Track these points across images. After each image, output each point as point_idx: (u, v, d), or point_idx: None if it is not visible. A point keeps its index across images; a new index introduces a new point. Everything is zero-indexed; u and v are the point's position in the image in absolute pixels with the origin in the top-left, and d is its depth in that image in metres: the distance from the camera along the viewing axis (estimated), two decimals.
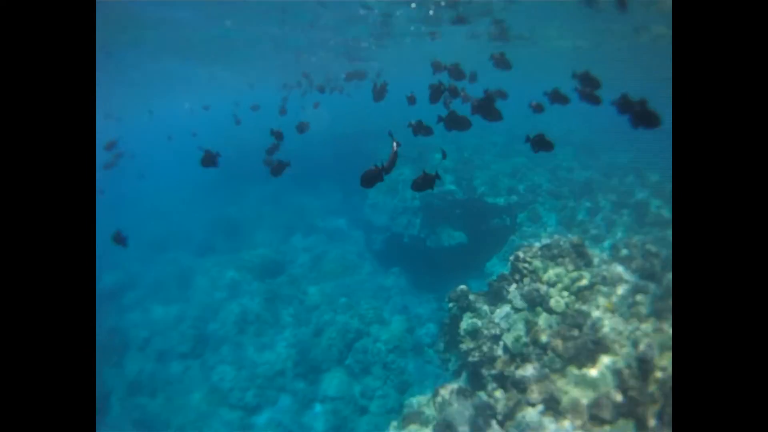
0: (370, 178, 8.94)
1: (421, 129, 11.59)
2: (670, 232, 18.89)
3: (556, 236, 11.87)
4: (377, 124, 33.00)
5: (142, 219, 36.36)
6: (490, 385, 10.49)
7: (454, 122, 10.70)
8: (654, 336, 9.54)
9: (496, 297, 11.88)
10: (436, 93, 11.83)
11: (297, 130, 17.44)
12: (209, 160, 12.05)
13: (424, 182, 9.74)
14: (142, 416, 20.55)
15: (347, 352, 20.44)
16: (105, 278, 29.56)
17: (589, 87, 10.64)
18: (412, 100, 13.18)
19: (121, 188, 35.87)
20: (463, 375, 11.94)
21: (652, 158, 25.03)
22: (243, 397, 19.97)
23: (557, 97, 11.05)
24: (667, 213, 20.04)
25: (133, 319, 25.17)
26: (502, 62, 13.22)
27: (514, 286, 11.55)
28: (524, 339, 10.26)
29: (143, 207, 37.16)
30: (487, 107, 11.06)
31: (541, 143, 10.59)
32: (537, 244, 11.90)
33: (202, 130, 27.96)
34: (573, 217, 21.34)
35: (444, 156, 11.04)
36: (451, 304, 12.42)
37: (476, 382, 11.05)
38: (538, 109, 11.96)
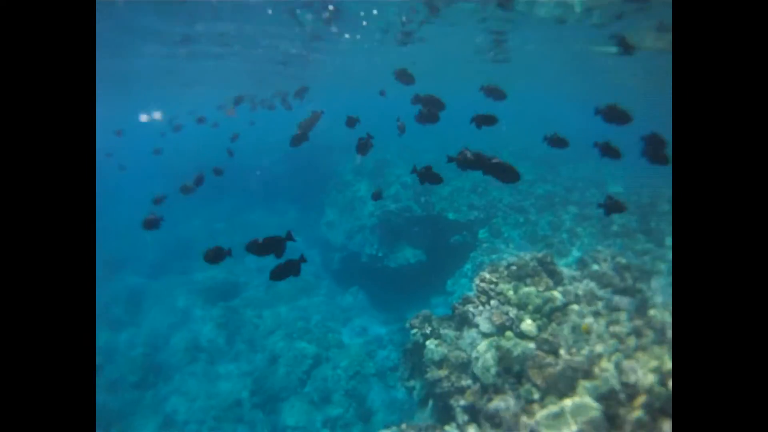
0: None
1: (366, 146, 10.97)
2: (636, 242, 18.60)
3: (522, 254, 11.21)
4: (332, 138, 32.46)
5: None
6: (461, 417, 9.73)
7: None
8: (636, 356, 8.93)
9: (462, 321, 11.16)
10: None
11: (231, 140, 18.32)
12: (152, 224, 11.40)
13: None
14: None
15: (306, 380, 19.55)
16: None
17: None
18: (401, 129, 12.52)
19: None
20: (430, 404, 11.23)
21: (614, 170, 24.80)
22: (199, 430, 18.91)
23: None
24: (632, 223, 19.67)
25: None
26: (495, 91, 12.52)
27: (480, 309, 10.83)
28: (495, 368, 9.52)
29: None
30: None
31: (608, 150, 10.11)
32: (503, 263, 11.23)
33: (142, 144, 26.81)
34: (535, 231, 20.79)
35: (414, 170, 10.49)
36: (414, 331, 11.66)
37: (445, 414, 10.31)
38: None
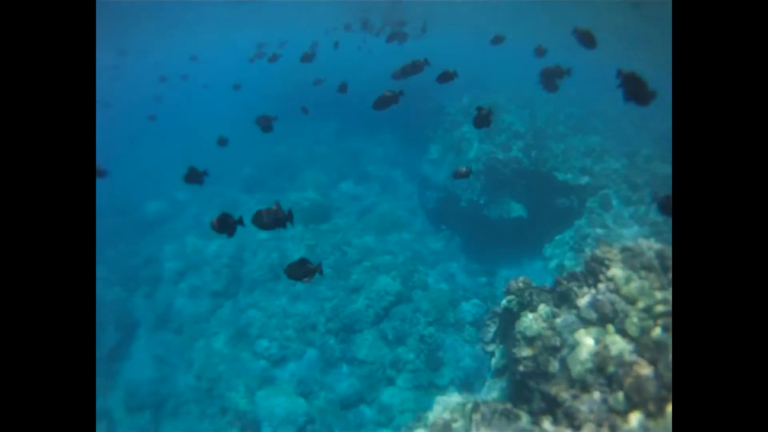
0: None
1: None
2: None
3: (640, 240, 10.02)
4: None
5: (190, 151, 35.73)
6: (537, 404, 8.97)
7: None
8: None
9: (562, 298, 10.18)
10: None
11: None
12: (195, 176, 10.86)
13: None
14: (164, 352, 19.99)
15: (384, 317, 19.24)
16: (148, 206, 29.16)
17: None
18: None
19: (172, 118, 35.15)
20: (507, 378, 10.55)
21: None
22: (269, 346, 19.09)
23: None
24: None
25: (170, 251, 24.49)
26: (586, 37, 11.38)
27: (585, 290, 9.82)
28: (588, 363, 8.61)
29: (192, 139, 36.13)
30: None
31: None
32: (617, 245, 10.09)
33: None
34: (648, 213, 19.06)
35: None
36: (510, 297, 10.78)
37: (521, 394, 9.57)
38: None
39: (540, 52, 15.08)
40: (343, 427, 16.93)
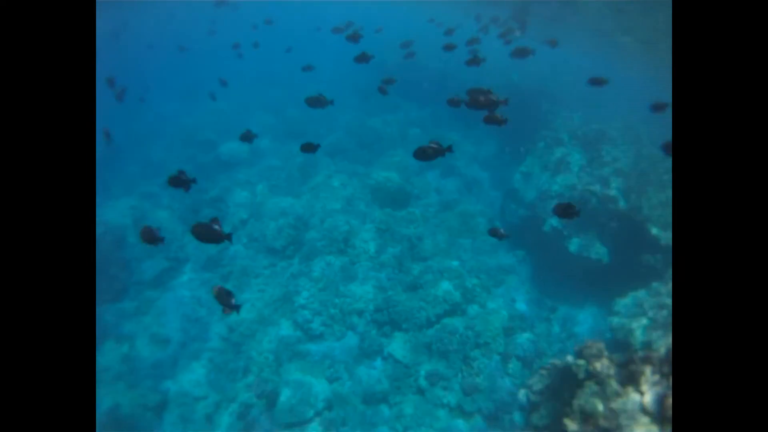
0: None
1: None
2: None
3: None
4: (550, 86, 29.69)
5: (284, 103, 35.37)
6: None
7: None
8: None
9: (630, 378, 9.05)
10: None
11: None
12: (179, 182, 10.63)
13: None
14: (205, 294, 19.70)
15: (434, 323, 18.32)
16: (228, 145, 28.95)
17: None
18: None
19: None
20: None
21: None
22: (311, 320, 18.47)
23: None
24: None
25: (238, 196, 24.12)
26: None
27: (655, 377, 8.67)
28: None
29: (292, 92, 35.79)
30: None
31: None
32: None
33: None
34: None
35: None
36: (580, 361, 9.70)
37: None
38: None
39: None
40: (357, 422, 16.29)
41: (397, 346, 17.79)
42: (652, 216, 20.23)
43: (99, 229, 20.79)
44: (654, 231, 19.83)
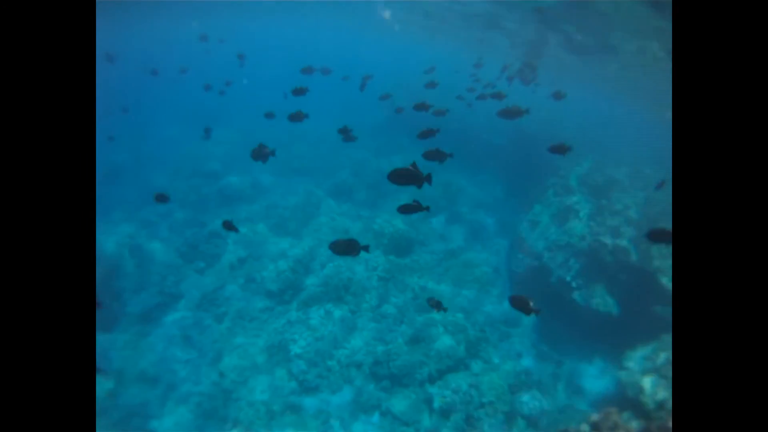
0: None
1: None
2: None
3: None
4: (559, 133, 29.42)
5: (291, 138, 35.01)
6: None
7: None
8: None
9: None
10: None
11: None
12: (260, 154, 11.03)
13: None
14: (197, 335, 18.91)
15: (437, 380, 17.44)
16: (230, 179, 28.62)
17: None
18: None
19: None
20: None
21: None
22: (307, 371, 17.61)
23: None
24: None
25: (237, 234, 23.48)
26: None
27: None
28: None
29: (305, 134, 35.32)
30: None
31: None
32: None
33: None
34: None
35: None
36: None
37: None
38: None
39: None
40: None
41: (397, 402, 16.92)
42: (663, 266, 19.49)
43: None
44: (665, 281, 19.12)
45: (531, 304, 8.87)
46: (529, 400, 17.07)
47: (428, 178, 8.60)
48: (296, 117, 14.18)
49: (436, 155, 11.87)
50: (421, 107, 16.09)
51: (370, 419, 16.73)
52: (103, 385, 17.17)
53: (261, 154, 12.53)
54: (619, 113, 45.55)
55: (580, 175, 24.86)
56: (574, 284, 20.76)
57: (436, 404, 16.62)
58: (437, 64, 24.79)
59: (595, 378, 18.93)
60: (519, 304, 9.11)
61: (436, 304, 12.36)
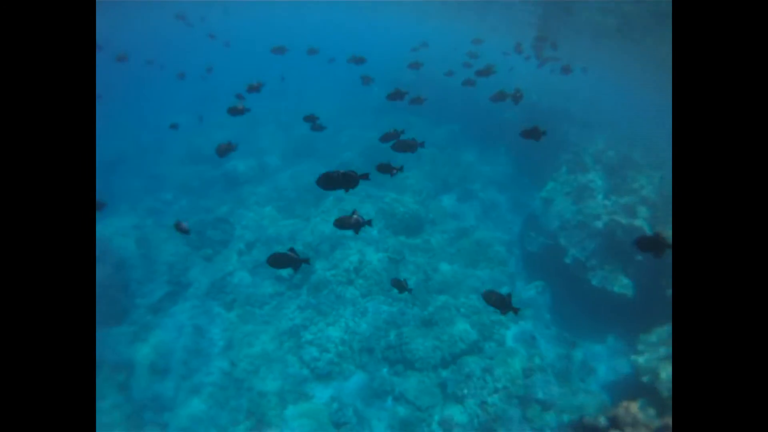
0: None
1: None
2: None
3: None
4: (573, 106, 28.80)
5: (294, 118, 34.61)
6: None
7: None
8: None
9: None
10: None
11: None
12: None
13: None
14: (206, 324, 18.66)
15: (450, 363, 17.15)
16: (231, 164, 28.10)
17: None
18: None
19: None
20: None
21: None
22: (318, 357, 17.33)
23: None
24: None
25: (245, 218, 23.13)
26: None
27: None
28: None
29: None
30: None
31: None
32: None
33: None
34: None
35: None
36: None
37: None
38: None
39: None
40: None
41: (409, 385, 16.66)
42: None
43: (99, 248, 19.88)
44: None
45: (506, 300, 8.41)
46: (543, 384, 16.77)
47: (400, 168, 8.53)
48: (236, 111, 14.19)
49: (406, 147, 11.54)
50: (396, 96, 15.57)
51: (383, 404, 16.48)
52: (113, 378, 17.01)
53: (225, 150, 13.32)
54: (640, 93, 44.80)
55: (595, 152, 24.34)
56: (588, 264, 20.34)
57: (450, 389, 16.35)
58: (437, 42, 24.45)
59: (609, 361, 18.59)
60: (493, 299, 8.72)
61: (399, 285, 12.36)
